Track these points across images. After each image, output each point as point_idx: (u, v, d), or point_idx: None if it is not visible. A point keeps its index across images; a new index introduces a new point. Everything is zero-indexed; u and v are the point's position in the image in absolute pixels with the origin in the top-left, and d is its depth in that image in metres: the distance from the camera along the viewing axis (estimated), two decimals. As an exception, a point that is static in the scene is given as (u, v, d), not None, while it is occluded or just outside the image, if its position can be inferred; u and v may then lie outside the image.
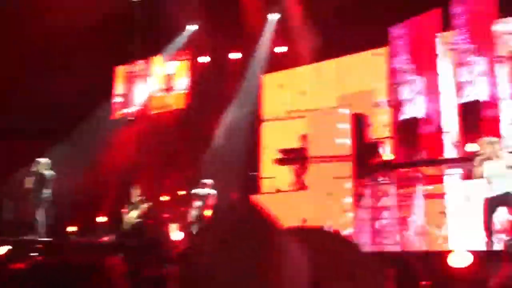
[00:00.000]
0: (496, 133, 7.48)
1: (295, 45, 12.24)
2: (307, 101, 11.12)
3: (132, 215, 9.39)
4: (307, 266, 0.85)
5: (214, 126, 12.60)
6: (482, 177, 6.29)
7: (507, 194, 6.15)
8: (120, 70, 14.50)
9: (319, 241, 0.95)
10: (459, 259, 5.43)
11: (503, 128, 7.85)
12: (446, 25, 9.11)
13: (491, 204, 6.23)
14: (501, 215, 6.51)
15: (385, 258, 6.43)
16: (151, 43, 13.45)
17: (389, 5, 9.99)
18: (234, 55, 13.49)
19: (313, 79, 11.44)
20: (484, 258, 5.47)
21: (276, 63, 12.43)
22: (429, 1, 9.40)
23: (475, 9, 8.69)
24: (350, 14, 10.84)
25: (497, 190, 6.15)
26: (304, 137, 9.79)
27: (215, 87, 13.09)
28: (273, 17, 12.99)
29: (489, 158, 6.15)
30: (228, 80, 13.22)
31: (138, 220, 9.35)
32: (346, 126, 9.20)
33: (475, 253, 5.45)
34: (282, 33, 12.61)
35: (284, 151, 9.83)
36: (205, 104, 12.90)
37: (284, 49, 12.82)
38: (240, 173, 11.04)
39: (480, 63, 8.43)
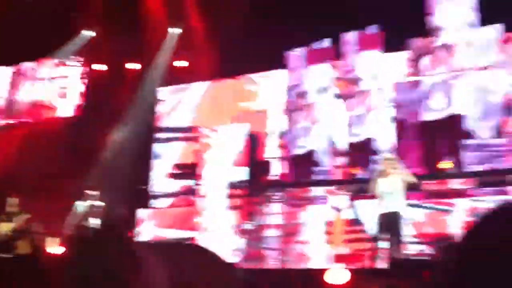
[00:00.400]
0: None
1: (195, 60, 12.18)
2: (204, 117, 11.04)
3: (4, 228, 8.61)
4: (165, 280, 0.87)
5: (106, 136, 12.06)
6: (376, 192, 6.37)
7: (395, 213, 6.24)
8: (5, 71, 13.47)
9: (180, 255, 0.96)
10: (337, 277, 5.57)
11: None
12: (339, 55, 9.53)
13: (381, 222, 6.31)
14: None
15: (268, 274, 6.44)
16: (42, 44, 12.66)
17: (291, 29, 10.27)
18: (132, 66, 13.10)
19: (211, 96, 11.41)
20: (362, 275, 5.64)
21: (175, 77, 12.26)
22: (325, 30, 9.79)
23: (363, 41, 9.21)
24: (251, 34, 10.99)
25: (388, 207, 6.23)
26: (197, 153, 9.67)
27: (110, 97, 12.58)
28: (175, 31, 12.85)
29: (383, 175, 6.23)
30: (124, 90, 12.78)
31: (11, 233, 8.58)
32: (240, 145, 9.25)
33: (353, 271, 5.61)
34: (183, 48, 12.49)
35: (178, 166, 9.62)
36: (97, 113, 12.33)
37: (183, 63, 12.70)
38: (130, 186, 10.61)
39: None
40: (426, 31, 8.71)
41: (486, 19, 8.28)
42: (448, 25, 8.60)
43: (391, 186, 6.20)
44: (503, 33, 8.19)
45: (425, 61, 8.63)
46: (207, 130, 10.13)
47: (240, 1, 11.03)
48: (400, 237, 6.32)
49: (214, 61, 11.76)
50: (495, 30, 8.23)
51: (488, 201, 8.02)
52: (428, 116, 8.40)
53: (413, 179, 6.47)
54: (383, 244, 6.38)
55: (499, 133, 7.96)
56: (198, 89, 11.73)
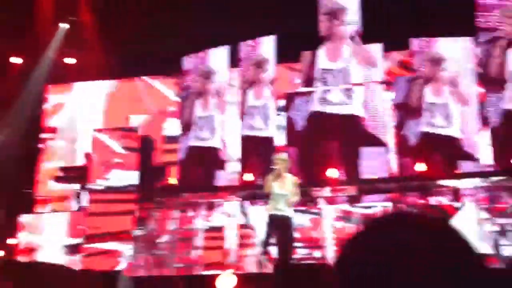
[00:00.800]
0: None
1: (86, 58, 11.73)
2: (95, 118, 10.67)
3: None
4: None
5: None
6: (270, 193, 6.21)
7: (286, 217, 6.13)
8: None
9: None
10: (225, 282, 5.66)
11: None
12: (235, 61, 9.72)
13: (271, 224, 6.17)
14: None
15: (159, 281, 6.38)
16: None
17: (189, 35, 10.27)
18: (16, 60, 12.27)
19: (105, 96, 11.05)
20: (252, 279, 5.73)
21: (64, 75, 11.69)
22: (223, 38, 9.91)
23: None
24: (148, 38, 10.83)
25: (280, 209, 6.11)
26: (88, 156, 9.33)
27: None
28: (65, 26, 12.26)
29: (278, 175, 6.16)
30: (7, 85, 11.93)
31: None
32: (133, 148, 9.08)
33: (241, 276, 5.69)
34: (75, 45, 11.96)
35: (65, 169, 9.20)
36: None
37: (73, 61, 12.15)
38: (14, 189, 9.95)
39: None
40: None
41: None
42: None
43: (284, 188, 6.11)
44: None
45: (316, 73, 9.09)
46: (97, 131, 9.80)
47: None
48: (291, 241, 6.30)
49: (107, 60, 11.43)
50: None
51: (376, 208, 8.66)
52: (319, 122, 8.84)
53: (296, 196, 6.26)
54: (272, 249, 6.33)
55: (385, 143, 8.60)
56: (89, 88, 11.30)
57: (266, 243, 6.22)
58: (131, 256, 8.42)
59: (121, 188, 8.91)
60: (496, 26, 8.50)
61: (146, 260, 8.32)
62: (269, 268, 6.32)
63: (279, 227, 6.15)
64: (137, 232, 8.44)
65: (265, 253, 6.28)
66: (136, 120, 10.02)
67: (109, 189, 8.95)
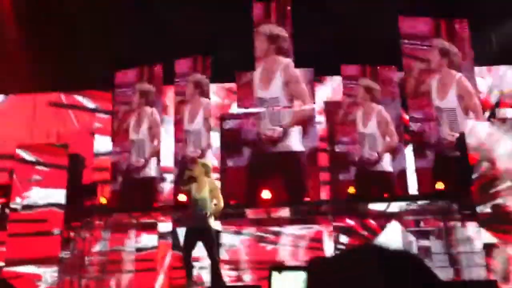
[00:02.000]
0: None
1: (11, 71, 11.17)
2: (20, 133, 10.14)
3: None
4: None
5: None
6: (189, 198, 6.00)
7: (206, 229, 5.75)
8: None
9: None
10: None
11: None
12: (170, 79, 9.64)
13: (189, 234, 5.88)
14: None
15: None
16: None
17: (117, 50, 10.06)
18: None
19: (28, 111, 10.55)
20: None
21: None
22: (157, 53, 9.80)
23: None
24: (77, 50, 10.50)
25: (200, 219, 5.79)
26: (10, 172, 8.83)
27: None
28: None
29: (196, 180, 5.92)
30: None
31: None
32: (60, 165, 8.70)
33: None
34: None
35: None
36: None
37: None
38: None
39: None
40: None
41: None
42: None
43: (201, 191, 5.86)
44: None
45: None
46: (20, 147, 9.30)
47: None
48: (216, 259, 5.91)
49: (32, 74, 10.95)
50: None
51: (309, 230, 8.81)
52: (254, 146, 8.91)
53: (219, 202, 5.92)
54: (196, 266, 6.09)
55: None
56: (12, 102, 10.75)
57: (186, 261, 5.82)
58: (54, 280, 7.98)
59: (44, 207, 8.46)
60: (420, 55, 9.03)
61: (72, 284, 7.93)
62: None
63: (200, 241, 5.81)
64: (63, 254, 8.03)
65: (189, 273, 5.86)
66: (64, 137, 9.62)
67: (30, 208, 8.47)
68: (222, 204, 5.96)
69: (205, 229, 5.81)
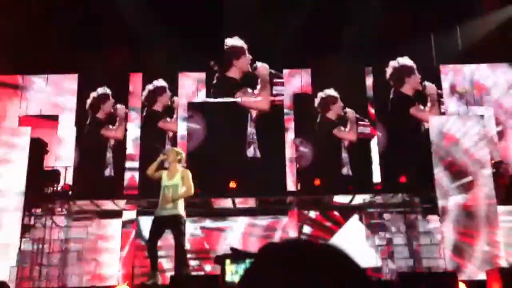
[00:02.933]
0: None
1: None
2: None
3: None
4: None
5: None
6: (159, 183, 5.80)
7: (173, 216, 5.61)
8: None
9: None
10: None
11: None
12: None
13: (157, 227, 5.70)
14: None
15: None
16: None
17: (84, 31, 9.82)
18: None
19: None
20: None
21: None
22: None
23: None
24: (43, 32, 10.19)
25: (167, 208, 5.63)
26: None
27: None
28: None
29: (168, 167, 5.86)
30: None
31: None
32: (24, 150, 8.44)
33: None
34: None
35: None
36: None
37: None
38: None
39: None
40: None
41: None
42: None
43: (173, 178, 5.74)
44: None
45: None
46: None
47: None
48: (182, 246, 5.75)
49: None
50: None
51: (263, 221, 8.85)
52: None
53: (189, 189, 5.75)
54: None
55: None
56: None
57: (151, 250, 5.70)
58: (13, 267, 7.75)
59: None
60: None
61: (31, 272, 7.72)
62: (160, 279, 5.83)
63: (168, 228, 5.69)
64: (23, 241, 7.81)
65: (154, 262, 5.71)
66: (27, 121, 9.34)
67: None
68: (192, 192, 5.79)
69: (174, 216, 5.69)
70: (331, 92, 9.28)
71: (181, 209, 5.74)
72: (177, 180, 5.75)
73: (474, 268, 6.92)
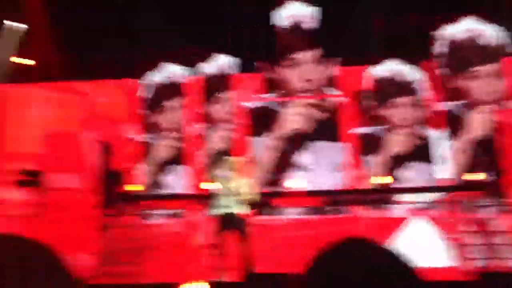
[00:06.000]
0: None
1: (40, 60, 11.30)
2: (48, 121, 10.24)
3: None
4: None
5: None
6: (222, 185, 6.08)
7: (230, 214, 5.95)
8: None
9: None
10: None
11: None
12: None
13: (221, 224, 5.98)
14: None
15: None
16: None
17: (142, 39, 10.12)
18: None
19: (58, 99, 10.64)
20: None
21: (16, 76, 11.18)
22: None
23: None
24: (103, 40, 10.57)
25: (229, 206, 5.98)
26: (41, 159, 8.90)
27: None
28: (15, 26, 11.72)
29: (231, 173, 6.07)
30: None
31: None
32: (90, 152, 8.75)
33: (211, 284, 5.55)
34: (26, 45, 11.48)
35: (21, 172, 8.72)
36: None
37: (25, 61, 11.65)
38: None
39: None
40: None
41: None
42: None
43: (239, 181, 6.03)
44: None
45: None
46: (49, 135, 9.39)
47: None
48: (247, 245, 5.97)
49: (61, 62, 11.07)
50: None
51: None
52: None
53: (254, 194, 6.10)
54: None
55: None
56: (42, 90, 10.84)
57: (219, 249, 6.00)
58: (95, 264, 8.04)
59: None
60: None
61: (105, 269, 7.98)
62: (227, 277, 6.02)
63: (232, 227, 5.92)
64: (98, 240, 8.08)
65: (220, 259, 6.04)
66: (94, 124, 9.68)
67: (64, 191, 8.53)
68: (255, 196, 6.09)
69: (237, 216, 5.95)
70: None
71: (244, 209, 5.96)
72: (242, 183, 5.98)
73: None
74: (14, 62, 11.52)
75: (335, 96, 8.99)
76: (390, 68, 9.12)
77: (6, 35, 11.65)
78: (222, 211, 6.01)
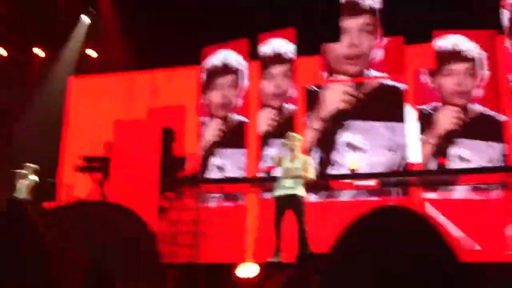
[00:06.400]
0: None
1: (108, 51, 11.89)
2: (117, 109, 10.83)
3: None
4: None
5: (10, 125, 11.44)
6: (281, 170, 6.14)
7: (294, 196, 5.97)
8: None
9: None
10: (247, 271, 5.64)
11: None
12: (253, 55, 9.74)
13: (279, 206, 6.04)
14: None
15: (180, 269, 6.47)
16: None
17: (207, 26, 10.35)
18: (39, 52, 12.45)
19: (125, 89, 11.21)
20: (269, 269, 5.67)
21: (86, 67, 11.87)
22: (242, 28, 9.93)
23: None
24: (167, 29, 10.91)
25: (288, 187, 6.04)
26: (109, 146, 9.45)
27: (12, 84, 11.89)
28: (86, 19, 12.41)
29: (289, 153, 6.12)
30: (29, 78, 12.14)
31: None
32: (154, 139, 9.16)
33: (261, 264, 5.67)
34: (96, 37, 12.13)
35: (88, 159, 9.34)
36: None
37: (95, 53, 12.32)
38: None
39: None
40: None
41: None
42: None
43: (294, 163, 6.07)
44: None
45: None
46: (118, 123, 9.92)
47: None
48: (304, 226, 5.98)
49: (128, 53, 11.58)
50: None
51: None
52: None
53: (310, 174, 6.14)
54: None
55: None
56: (110, 80, 11.46)
57: (276, 228, 6.04)
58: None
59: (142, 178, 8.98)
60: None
61: (168, 249, 8.42)
62: (282, 257, 6.11)
63: (290, 208, 5.94)
64: (157, 222, 8.54)
65: (278, 240, 6.07)
66: (158, 112, 10.12)
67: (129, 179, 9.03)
68: (312, 176, 6.14)
69: (295, 195, 5.99)
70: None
71: (301, 190, 5.97)
72: (298, 164, 5.99)
73: None
74: (86, 54, 12.23)
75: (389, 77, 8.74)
76: (453, 41, 8.72)
77: (80, 28, 12.36)
78: (283, 192, 6.08)
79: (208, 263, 7.29)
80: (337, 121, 8.74)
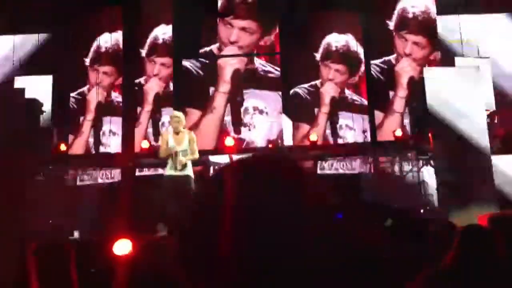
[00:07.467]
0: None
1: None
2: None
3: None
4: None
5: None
6: (167, 150, 6.10)
7: (184, 176, 6.02)
8: None
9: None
10: (121, 247, 5.49)
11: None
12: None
13: (168, 186, 6.10)
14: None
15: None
16: None
17: None
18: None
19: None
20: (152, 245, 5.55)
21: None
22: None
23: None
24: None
25: (178, 168, 6.05)
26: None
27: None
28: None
29: (174, 132, 6.17)
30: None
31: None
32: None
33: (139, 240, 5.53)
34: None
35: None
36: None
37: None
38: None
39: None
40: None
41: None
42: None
43: (181, 143, 6.06)
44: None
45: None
46: None
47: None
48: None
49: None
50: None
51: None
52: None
53: (195, 153, 6.19)
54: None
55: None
56: None
57: (163, 208, 6.08)
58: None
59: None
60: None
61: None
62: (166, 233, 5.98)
63: (178, 188, 6.00)
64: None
65: (164, 219, 6.07)
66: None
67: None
68: (197, 155, 6.21)
69: (185, 176, 6.03)
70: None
71: (190, 171, 6.11)
72: (185, 146, 6.07)
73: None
74: None
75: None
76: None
77: None
78: (170, 171, 6.09)
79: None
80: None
